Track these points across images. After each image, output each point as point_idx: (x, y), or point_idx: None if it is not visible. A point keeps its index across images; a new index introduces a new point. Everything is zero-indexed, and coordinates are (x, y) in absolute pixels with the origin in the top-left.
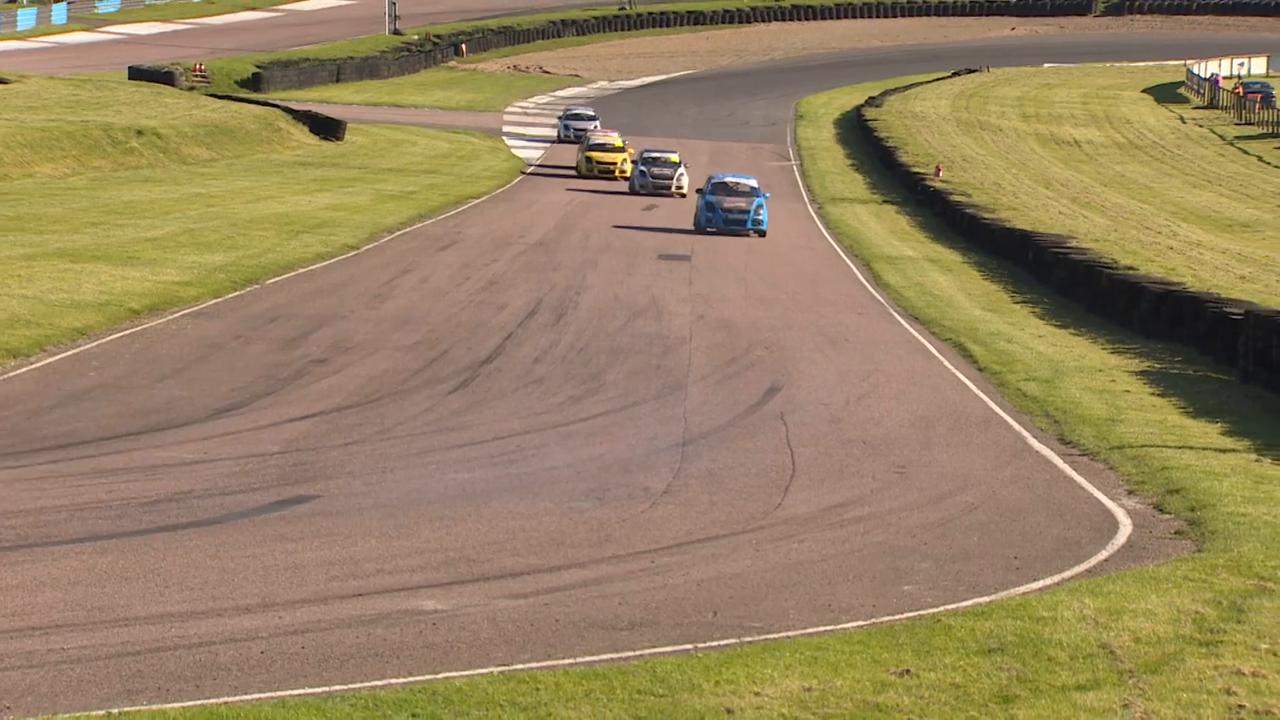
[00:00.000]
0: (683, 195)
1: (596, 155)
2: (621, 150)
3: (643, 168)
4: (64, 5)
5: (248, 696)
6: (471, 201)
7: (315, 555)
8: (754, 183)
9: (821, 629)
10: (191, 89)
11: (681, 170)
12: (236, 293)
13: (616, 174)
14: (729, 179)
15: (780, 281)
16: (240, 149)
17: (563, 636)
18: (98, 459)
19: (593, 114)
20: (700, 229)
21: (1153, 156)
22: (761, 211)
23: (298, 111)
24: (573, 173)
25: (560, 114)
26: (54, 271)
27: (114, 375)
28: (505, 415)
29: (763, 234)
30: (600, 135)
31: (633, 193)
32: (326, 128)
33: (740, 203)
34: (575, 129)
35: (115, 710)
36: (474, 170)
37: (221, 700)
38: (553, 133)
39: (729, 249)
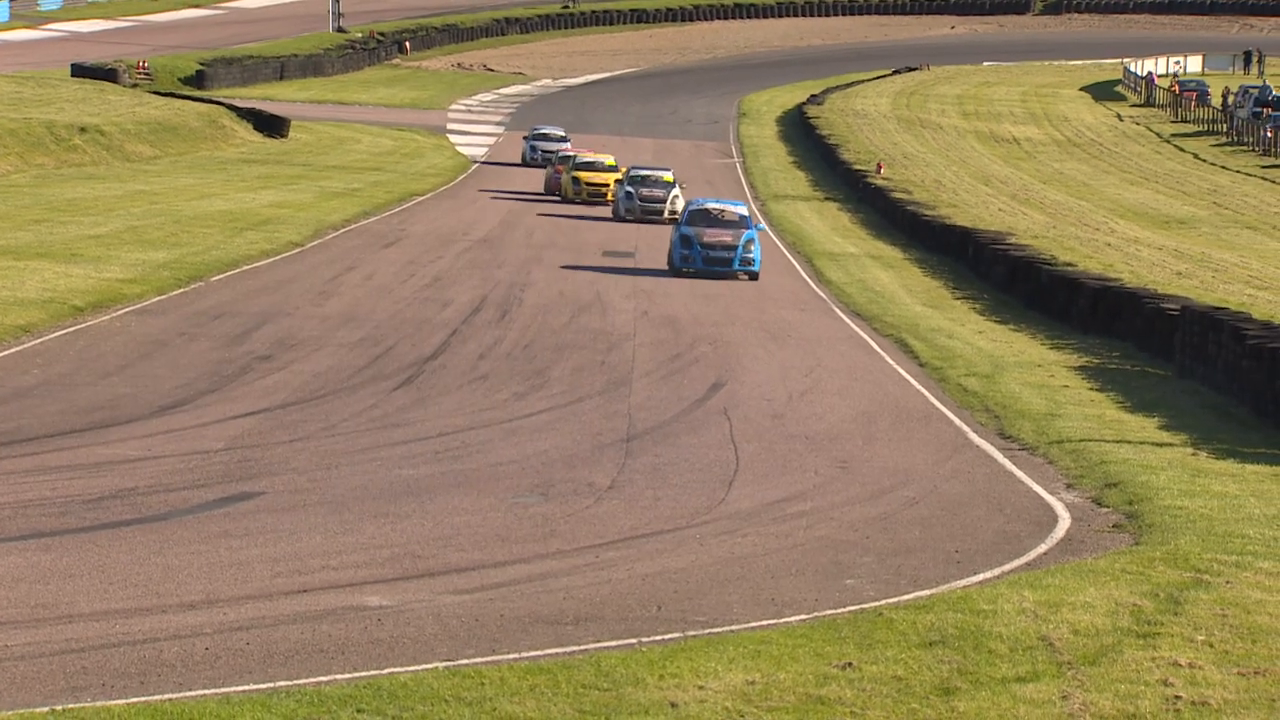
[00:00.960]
0: (753, 277)
1: (587, 177)
2: (615, 170)
3: (629, 189)
4: (6, 3)
5: (192, 693)
6: (416, 199)
7: (260, 552)
8: (743, 210)
9: (764, 623)
10: (135, 86)
11: (676, 193)
12: (180, 290)
13: (609, 198)
14: (711, 205)
15: (722, 278)
16: (184, 146)
17: (508, 632)
18: (41, 456)
19: (563, 134)
20: (674, 269)
21: (1091, 154)
22: (753, 248)
23: (242, 109)
24: (530, 196)
25: (526, 134)
26: None
27: (57, 373)
28: (450, 411)
29: (754, 276)
30: (588, 153)
31: (617, 218)
32: (270, 125)
33: (725, 236)
34: (544, 151)
35: (59, 707)
36: (418, 168)
37: (166, 697)
38: (498, 130)
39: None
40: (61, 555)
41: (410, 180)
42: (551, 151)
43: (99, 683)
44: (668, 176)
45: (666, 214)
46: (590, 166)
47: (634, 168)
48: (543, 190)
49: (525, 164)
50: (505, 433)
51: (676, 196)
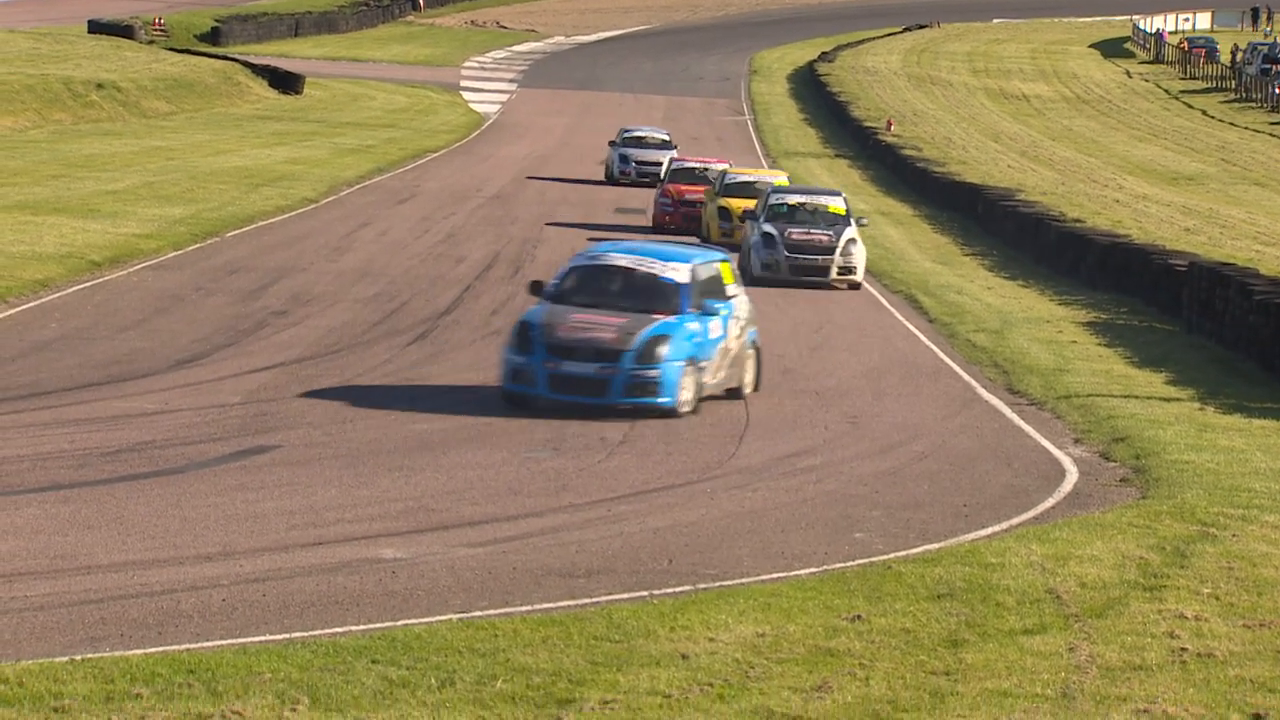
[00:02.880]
0: (854, 285)
1: (744, 209)
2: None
3: (768, 228)
4: None
5: (210, 643)
6: (429, 155)
7: (276, 504)
8: (839, 201)
9: (774, 576)
10: (151, 43)
11: (852, 235)
12: (197, 245)
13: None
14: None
15: None
16: (200, 103)
17: (520, 584)
18: (60, 409)
19: (666, 137)
20: (749, 275)
21: (1100, 111)
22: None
23: (257, 66)
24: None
25: (613, 139)
26: (15, 224)
27: (75, 327)
28: (463, 367)
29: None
30: (746, 171)
31: (748, 277)
32: (285, 82)
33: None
34: (640, 163)
35: (78, 657)
36: (432, 124)
37: (184, 647)
38: (511, 87)
39: None
40: (80, 507)
41: (424, 137)
42: (653, 164)
43: (117, 633)
44: (836, 206)
45: (836, 272)
46: (750, 190)
47: (774, 191)
48: (650, 224)
49: (612, 181)
50: None
51: (853, 242)
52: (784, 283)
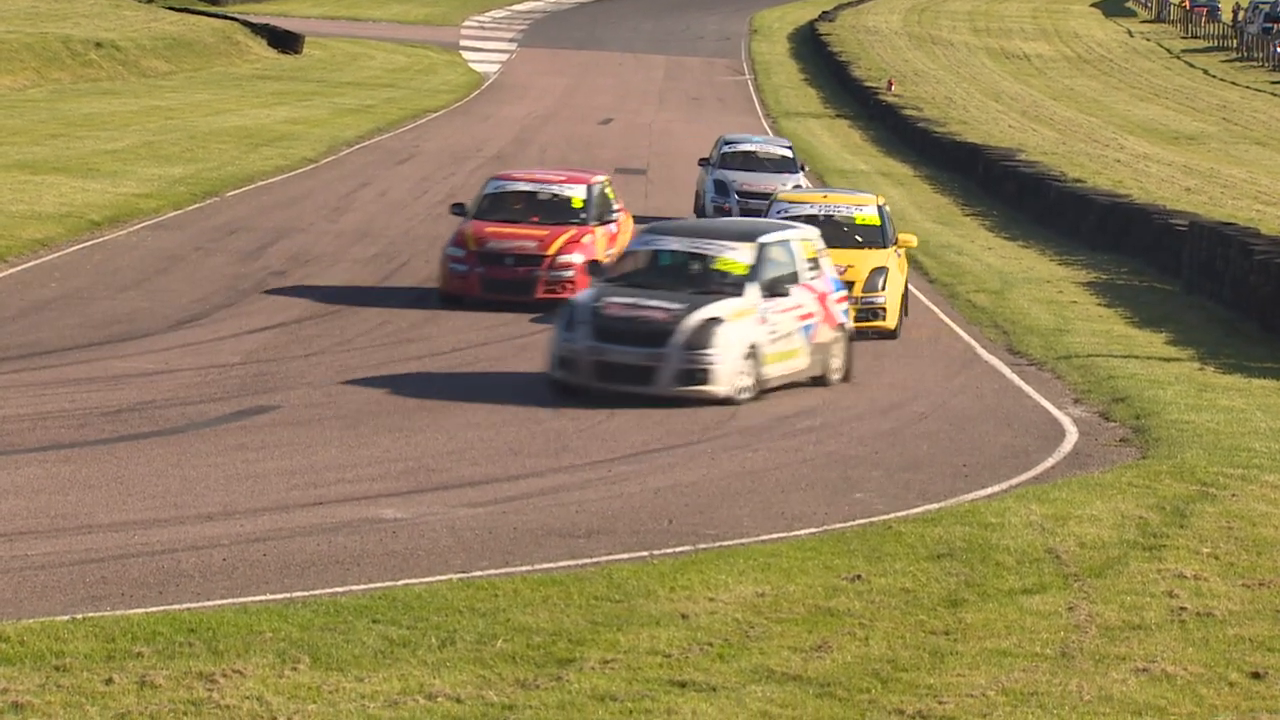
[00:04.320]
0: None
1: None
2: None
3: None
4: None
5: (210, 603)
6: (429, 115)
7: (276, 464)
8: (788, 150)
9: (774, 536)
10: (150, 1)
11: (797, 182)
12: (196, 205)
13: None
14: (750, 146)
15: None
16: (199, 62)
17: (521, 544)
18: (60, 369)
19: (788, 153)
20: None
21: (1101, 70)
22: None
23: (256, 24)
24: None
25: (706, 156)
26: (14, 183)
27: (75, 286)
28: (464, 327)
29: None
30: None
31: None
32: (284, 41)
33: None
34: (746, 191)
35: (80, 616)
36: (432, 84)
37: (184, 606)
38: (510, 47)
39: (683, 164)
40: (80, 466)
41: (423, 97)
42: (761, 195)
43: (118, 592)
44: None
45: None
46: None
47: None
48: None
49: (701, 212)
50: (517, 348)
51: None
52: None
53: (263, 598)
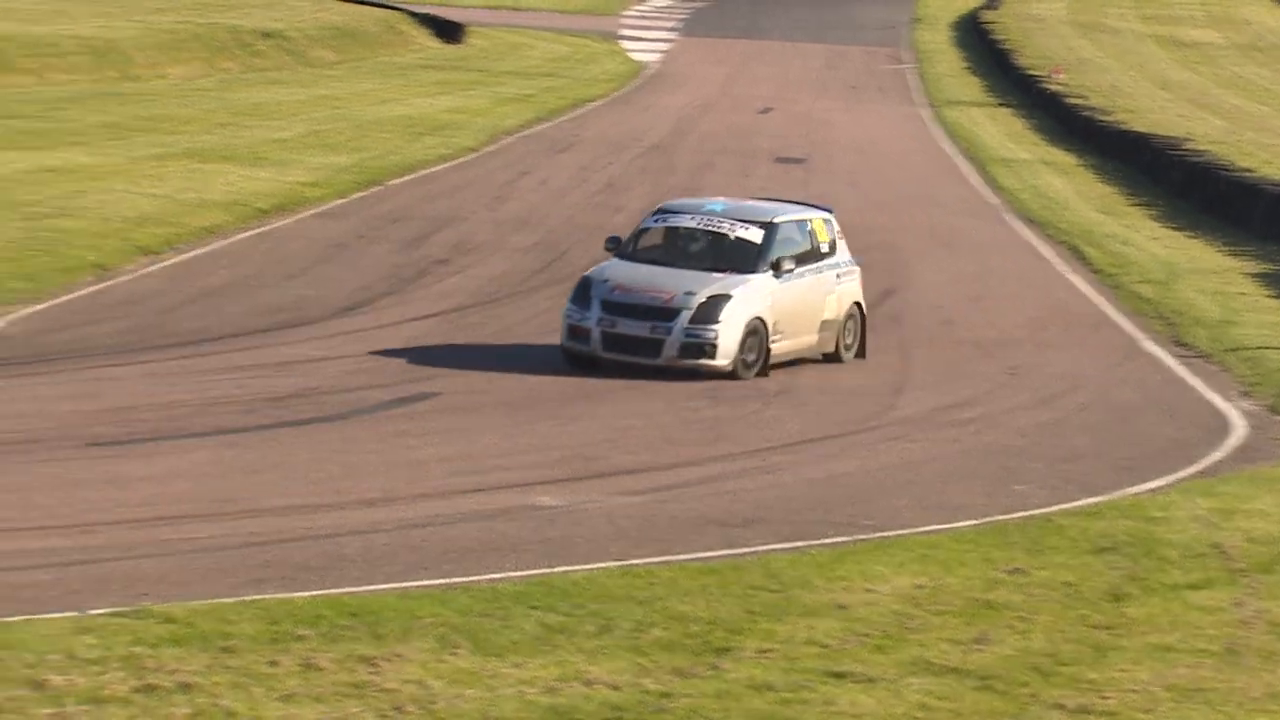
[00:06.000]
0: None
1: None
2: None
3: None
4: None
5: (372, 587)
6: (589, 104)
7: (436, 451)
8: (753, 230)
9: (933, 528)
10: None
11: None
12: (361, 194)
13: None
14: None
15: (893, 185)
16: (364, 51)
17: (678, 532)
18: (227, 355)
19: (777, 227)
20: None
21: (1272, 59)
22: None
23: (419, 14)
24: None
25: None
26: (184, 171)
27: (243, 274)
28: None
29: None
30: None
31: None
32: (447, 31)
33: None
34: (616, 303)
35: (246, 598)
36: (592, 73)
37: (346, 590)
38: (671, 37)
39: (843, 153)
40: (245, 451)
41: (583, 86)
42: (646, 310)
43: (281, 575)
44: None
45: None
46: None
47: None
48: None
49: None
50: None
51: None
52: None
53: (423, 583)
